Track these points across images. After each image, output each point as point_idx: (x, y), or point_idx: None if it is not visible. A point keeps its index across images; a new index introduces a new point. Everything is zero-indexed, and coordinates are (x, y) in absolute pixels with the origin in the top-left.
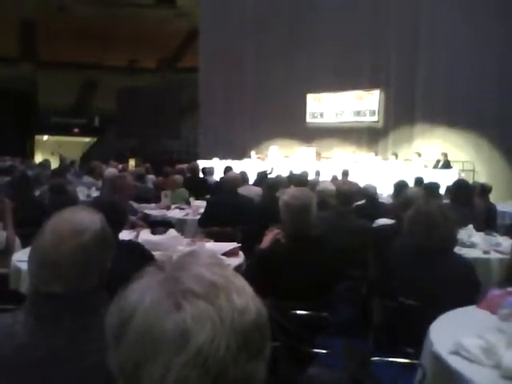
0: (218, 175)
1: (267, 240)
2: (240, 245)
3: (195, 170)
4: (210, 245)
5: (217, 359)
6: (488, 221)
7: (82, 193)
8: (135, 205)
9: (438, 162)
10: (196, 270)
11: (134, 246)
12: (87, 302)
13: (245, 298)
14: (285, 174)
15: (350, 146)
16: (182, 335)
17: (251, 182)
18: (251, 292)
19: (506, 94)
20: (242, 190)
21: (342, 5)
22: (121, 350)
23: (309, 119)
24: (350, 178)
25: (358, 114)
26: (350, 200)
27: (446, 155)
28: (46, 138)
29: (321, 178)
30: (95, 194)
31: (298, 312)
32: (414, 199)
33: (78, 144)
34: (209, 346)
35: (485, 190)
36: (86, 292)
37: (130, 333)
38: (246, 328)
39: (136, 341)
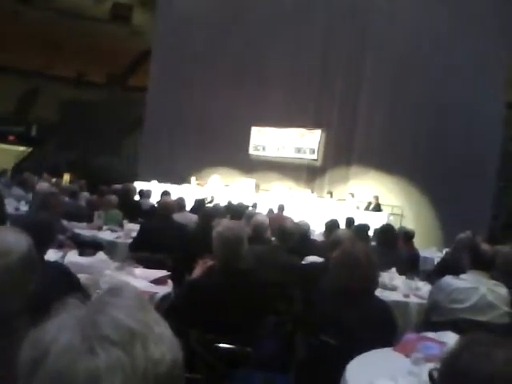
0: (155, 198)
1: (198, 270)
2: (169, 273)
3: (130, 191)
4: (139, 271)
5: None
6: (411, 266)
7: (10, 205)
8: (65, 223)
9: (370, 204)
10: (115, 314)
11: (59, 268)
12: (8, 325)
13: (162, 347)
14: (224, 202)
15: (288, 181)
16: (91, 382)
17: (188, 208)
18: (171, 339)
19: (436, 142)
20: (178, 217)
21: (293, 43)
22: None
23: (251, 151)
24: (285, 213)
25: (298, 150)
26: (287, 237)
27: (377, 198)
28: None
29: (257, 211)
30: (24, 207)
31: (222, 345)
32: (343, 240)
33: (11, 152)
34: None
35: (409, 235)
36: (9, 315)
37: (41, 373)
38: (158, 379)
39: (46, 382)
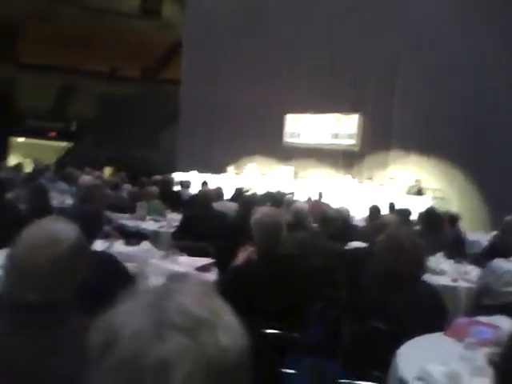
0: (194, 189)
1: (241, 257)
2: (213, 260)
3: (170, 182)
4: (183, 259)
5: None
6: (458, 249)
7: (55, 199)
8: (110, 214)
9: (412, 188)
10: (182, 300)
11: (107, 258)
12: (62, 313)
13: (229, 335)
14: (261, 191)
15: (326, 168)
16: (162, 368)
17: (227, 197)
18: (238, 327)
19: (480, 125)
20: (217, 205)
21: (326, 27)
22: (101, 372)
23: (287, 139)
24: (324, 200)
25: (335, 136)
26: (329, 223)
27: (419, 182)
28: (21, 140)
29: (296, 198)
30: (69, 200)
31: (269, 331)
32: (388, 225)
33: (53, 148)
34: (187, 383)
35: (454, 219)
36: (60, 302)
37: (112, 357)
38: (226, 367)
39: (117, 366)
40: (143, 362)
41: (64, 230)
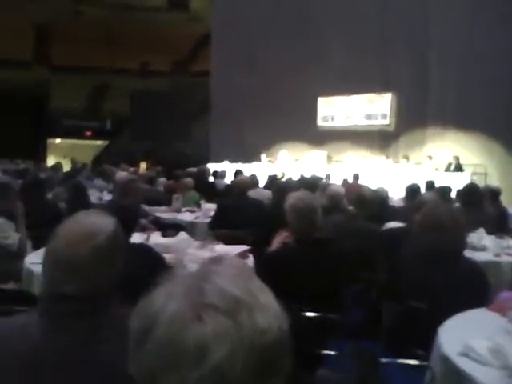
0: (228, 178)
1: (276, 243)
2: (250, 247)
3: (204, 173)
4: (220, 247)
5: (232, 378)
6: (499, 224)
7: (93, 196)
8: (146, 208)
9: (450, 165)
10: (220, 282)
11: (144, 249)
12: (100, 304)
13: (267, 316)
14: (295, 177)
15: (361, 150)
16: (200, 349)
17: (261, 185)
18: (276, 308)
19: None
20: (252, 193)
21: (352, 7)
22: (141, 356)
23: (320, 123)
24: (360, 182)
25: (369, 117)
26: (366, 205)
27: (457, 158)
28: (58, 141)
29: (331, 182)
30: (107, 196)
31: (309, 314)
32: (426, 203)
33: (90, 147)
34: (226, 364)
35: (495, 194)
36: (99, 293)
37: (151, 340)
38: (265, 347)
39: (156, 349)
40: (182, 343)
41: (101, 222)
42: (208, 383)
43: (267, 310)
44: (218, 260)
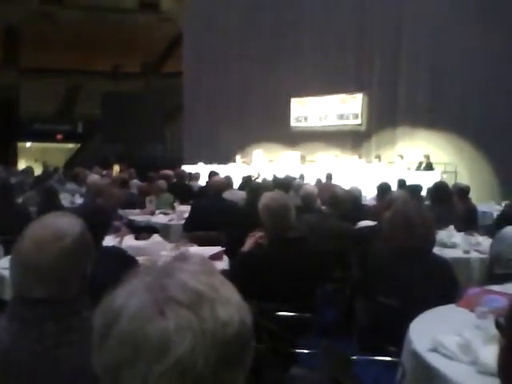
0: (203, 180)
1: (249, 243)
2: (224, 249)
3: (182, 175)
4: (194, 249)
5: (195, 370)
6: (469, 222)
7: (65, 200)
8: (120, 211)
9: (421, 163)
10: (182, 277)
11: (117, 252)
12: (70, 306)
13: (229, 309)
14: (269, 178)
15: (334, 150)
16: (162, 343)
17: (236, 186)
18: (237, 301)
19: (487, 95)
20: (227, 195)
21: (325, 9)
22: (104, 352)
23: (293, 123)
24: (333, 181)
25: (341, 117)
26: (339, 204)
27: (428, 157)
28: (29, 144)
29: (305, 182)
30: (79, 200)
31: (282, 313)
32: (393, 201)
33: (61, 150)
34: (188, 357)
35: (464, 191)
36: (69, 296)
37: (114, 336)
38: (227, 340)
39: (119, 344)
40: (144, 338)
41: (67, 224)
42: (171, 377)
43: (229, 303)
44: (180, 257)
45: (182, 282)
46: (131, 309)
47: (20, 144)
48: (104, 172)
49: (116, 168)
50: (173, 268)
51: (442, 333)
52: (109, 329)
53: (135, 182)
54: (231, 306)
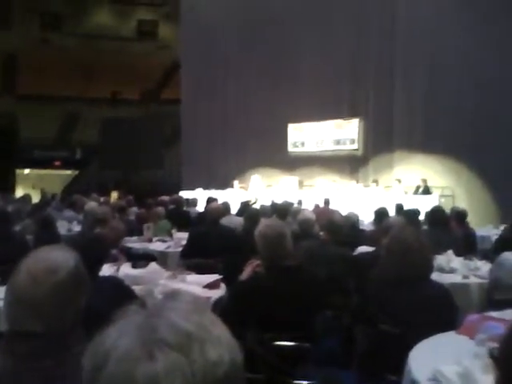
0: (201, 206)
1: (246, 272)
2: (221, 277)
3: (180, 202)
4: (192, 277)
5: None
6: (468, 246)
7: (62, 227)
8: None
9: (418, 188)
10: (173, 318)
11: (113, 282)
12: (64, 340)
13: (220, 348)
14: (267, 203)
15: (331, 174)
16: None
17: (234, 211)
18: (228, 340)
19: (482, 120)
20: (224, 221)
21: (322, 36)
22: None
23: (290, 148)
24: (331, 206)
25: (338, 142)
26: (336, 230)
27: (425, 181)
28: (27, 171)
29: (303, 207)
30: (77, 227)
31: (280, 343)
32: (391, 227)
33: (59, 177)
34: None
35: (461, 215)
36: (63, 330)
37: (102, 379)
38: (217, 380)
39: None
40: (132, 381)
41: (62, 257)
42: None
43: (219, 343)
44: (171, 296)
45: (171, 322)
46: (120, 351)
47: (18, 171)
48: (102, 199)
49: (114, 195)
50: (163, 307)
51: (442, 361)
52: (98, 371)
53: (134, 209)
54: (222, 345)
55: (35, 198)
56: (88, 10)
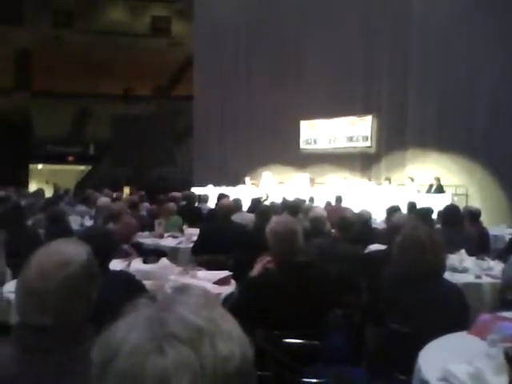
0: (212, 202)
1: (257, 268)
2: (232, 273)
3: (191, 198)
4: (202, 273)
5: None
6: (481, 245)
7: (75, 222)
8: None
9: (431, 186)
10: (183, 312)
11: (124, 276)
12: (75, 334)
13: (230, 343)
14: (278, 200)
15: (343, 172)
16: (161, 381)
17: (245, 208)
18: (239, 335)
19: (497, 118)
20: (235, 217)
21: (334, 32)
22: None
23: (302, 145)
24: (343, 204)
25: (350, 139)
26: (348, 227)
27: (438, 179)
28: (40, 166)
29: (315, 204)
30: (89, 222)
31: (290, 341)
32: (402, 224)
33: (72, 172)
34: None
35: (474, 215)
36: (74, 324)
37: (112, 373)
38: (228, 375)
39: (117, 382)
40: (142, 376)
41: (74, 251)
42: None
43: (230, 338)
44: (181, 290)
45: (181, 316)
46: (130, 345)
47: (32, 166)
48: (114, 194)
49: (126, 190)
50: (173, 301)
51: (452, 361)
52: (106, 366)
53: (145, 204)
54: (232, 340)
55: (48, 193)
56: (101, 6)
